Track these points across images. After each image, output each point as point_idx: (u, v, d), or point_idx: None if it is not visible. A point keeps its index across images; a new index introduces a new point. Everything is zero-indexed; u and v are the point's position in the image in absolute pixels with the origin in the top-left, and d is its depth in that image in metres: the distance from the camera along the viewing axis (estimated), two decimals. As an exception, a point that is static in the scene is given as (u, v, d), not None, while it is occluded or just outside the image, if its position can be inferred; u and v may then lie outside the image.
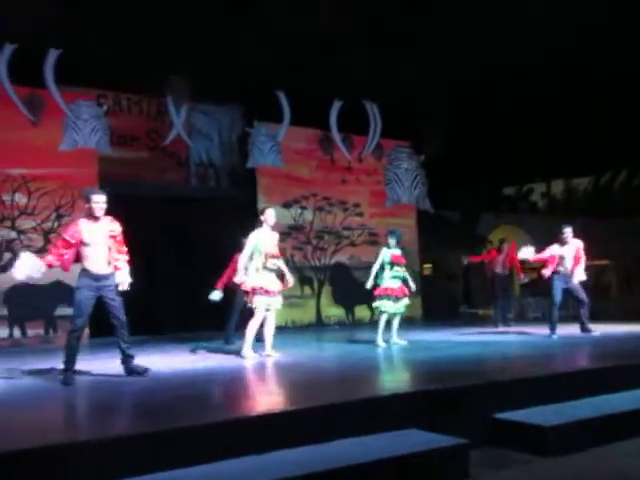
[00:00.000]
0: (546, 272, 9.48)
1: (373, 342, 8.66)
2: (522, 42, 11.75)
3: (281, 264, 7.52)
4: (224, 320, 9.38)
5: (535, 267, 24.75)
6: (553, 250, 9.44)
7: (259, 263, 7.29)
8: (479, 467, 4.44)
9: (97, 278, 6.02)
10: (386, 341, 8.67)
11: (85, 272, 6.03)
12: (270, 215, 7.48)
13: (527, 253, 9.41)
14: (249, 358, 7.29)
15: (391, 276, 8.71)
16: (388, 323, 8.78)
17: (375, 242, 14.03)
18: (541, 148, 17.89)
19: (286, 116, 12.86)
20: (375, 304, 8.80)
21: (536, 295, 17.31)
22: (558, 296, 9.38)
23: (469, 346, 8.52)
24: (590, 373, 6.22)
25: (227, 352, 8.35)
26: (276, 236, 7.54)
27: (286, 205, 13.06)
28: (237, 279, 7.49)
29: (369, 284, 8.77)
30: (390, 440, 4.42)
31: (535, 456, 4.69)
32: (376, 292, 8.75)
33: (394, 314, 8.78)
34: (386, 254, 8.76)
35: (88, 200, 6.09)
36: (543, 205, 28.93)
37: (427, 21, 11.24)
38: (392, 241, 8.83)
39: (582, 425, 4.98)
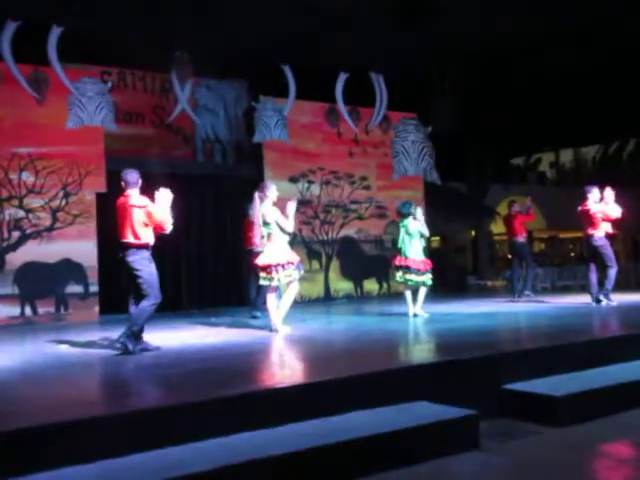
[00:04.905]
0: (599, 233, 9.07)
1: (382, 315, 8.64)
2: (532, 12, 11.57)
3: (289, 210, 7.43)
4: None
5: (543, 237, 24.80)
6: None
7: (277, 237, 7.35)
8: (489, 438, 4.47)
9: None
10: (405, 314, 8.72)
11: (150, 247, 6.35)
12: (274, 191, 7.49)
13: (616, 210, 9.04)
14: (282, 331, 7.35)
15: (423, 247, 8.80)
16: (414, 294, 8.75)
17: (383, 215, 14.01)
18: (549, 117, 17.76)
19: (292, 90, 12.76)
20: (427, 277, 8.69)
21: (544, 265, 17.31)
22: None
23: (478, 318, 8.52)
24: (601, 342, 6.23)
25: (243, 326, 8.42)
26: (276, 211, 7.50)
27: (293, 179, 13.00)
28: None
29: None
30: (400, 412, 4.45)
31: (545, 427, 4.71)
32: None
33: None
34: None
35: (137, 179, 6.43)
36: (552, 175, 28.81)
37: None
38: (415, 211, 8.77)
39: (592, 395, 4.99)
